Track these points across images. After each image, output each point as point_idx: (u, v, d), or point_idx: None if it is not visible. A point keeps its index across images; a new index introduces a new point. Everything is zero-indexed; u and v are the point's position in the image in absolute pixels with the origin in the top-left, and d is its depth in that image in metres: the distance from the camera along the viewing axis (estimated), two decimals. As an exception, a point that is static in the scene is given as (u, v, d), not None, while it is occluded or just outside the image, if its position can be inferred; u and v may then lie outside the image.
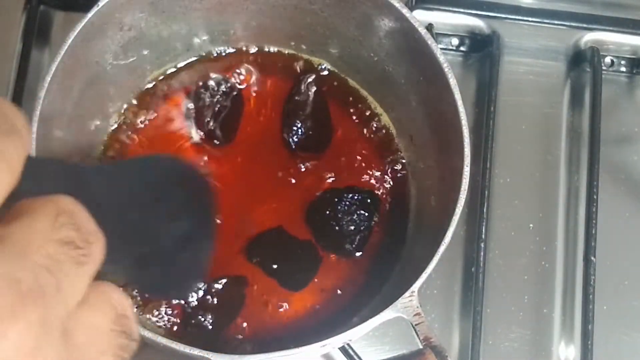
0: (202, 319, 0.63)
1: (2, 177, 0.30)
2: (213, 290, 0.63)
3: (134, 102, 0.69)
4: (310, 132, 0.69)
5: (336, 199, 0.65)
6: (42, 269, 0.29)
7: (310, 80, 0.69)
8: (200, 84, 0.69)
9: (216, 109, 0.68)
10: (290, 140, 0.68)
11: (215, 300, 0.63)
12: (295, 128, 0.68)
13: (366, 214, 0.66)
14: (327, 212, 0.65)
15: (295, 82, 0.70)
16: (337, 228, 0.65)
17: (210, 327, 0.63)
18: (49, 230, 0.30)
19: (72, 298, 0.30)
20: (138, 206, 0.46)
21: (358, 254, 0.66)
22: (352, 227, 0.66)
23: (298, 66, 0.71)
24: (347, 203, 0.66)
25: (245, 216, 0.67)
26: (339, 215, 0.65)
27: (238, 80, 0.70)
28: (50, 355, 0.28)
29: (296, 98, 0.69)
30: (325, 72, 0.72)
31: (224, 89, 0.69)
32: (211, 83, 0.69)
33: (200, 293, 0.63)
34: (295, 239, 0.67)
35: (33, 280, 0.28)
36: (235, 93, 0.69)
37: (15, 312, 0.27)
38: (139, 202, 0.46)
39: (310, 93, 0.69)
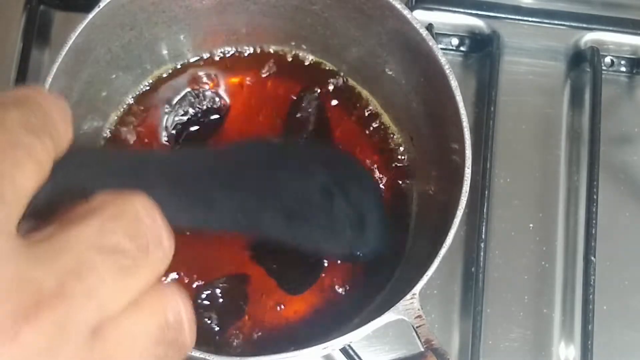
0: (209, 321, 0.63)
1: (26, 176, 0.30)
2: (217, 290, 0.63)
3: (134, 102, 0.69)
4: None
5: None
6: (70, 274, 0.28)
7: (312, 97, 0.69)
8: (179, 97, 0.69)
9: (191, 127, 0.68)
10: None
11: (220, 300, 0.63)
12: None
13: None
14: None
15: (297, 96, 0.70)
16: None
17: (215, 327, 0.63)
18: (92, 237, 0.30)
19: (111, 305, 0.30)
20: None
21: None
22: None
23: (299, 68, 0.71)
24: None
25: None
26: None
27: (221, 89, 0.71)
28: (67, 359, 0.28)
29: (297, 115, 0.69)
30: (326, 72, 0.72)
31: (207, 105, 0.69)
32: (190, 98, 0.69)
33: (205, 294, 0.63)
34: None
35: (55, 284, 0.28)
36: (213, 113, 0.69)
37: (30, 314, 0.27)
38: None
39: (311, 110, 0.69)
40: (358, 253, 0.60)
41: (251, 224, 0.49)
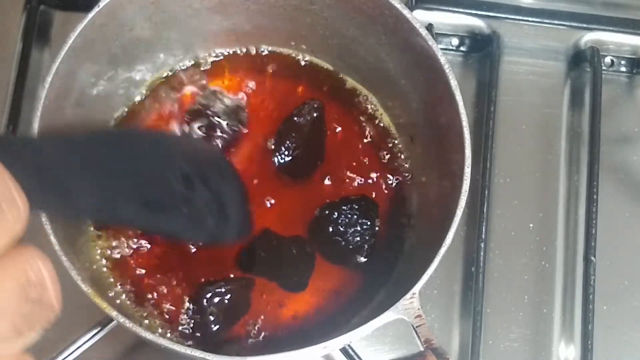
0: (212, 320, 0.63)
1: None
2: (222, 290, 0.63)
3: (133, 102, 0.69)
4: (298, 157, 0.68)
5: (335, 214, 0.65)
6: None
7: (315, 106, 0.69)
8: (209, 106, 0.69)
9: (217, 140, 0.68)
10: (276, 158, 0.68)
11: (224, 301, 0.63)
12: (283, 148, 0.68)
13: (368, 222, 0.66)
14: (330, 229, 0.65)
15: (299, 102, 0.69)
16: (343, 243, 0.65)
17: (217, 327, 0.63)
18: None
19: None
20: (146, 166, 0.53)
21: (365, 260, 0.66)
22: (358, 238, 0.65)
23: (299, 67, 0.71)
24: (348, 215, 0.65)
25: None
26: (342, 229, 0.65)
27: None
28: None
29: (295, 119, 0.68)
30: (326, 72, 0.72)
31: (232, 126, 0.69)
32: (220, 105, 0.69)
33: (210, 294, 0.63)
34: (284, 238, 0.66)
35: None
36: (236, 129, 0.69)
37: None
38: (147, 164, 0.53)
39: (309, 118, 0.68)
40: (217, 237, 0.61)
41: (110, 214, 0.49)
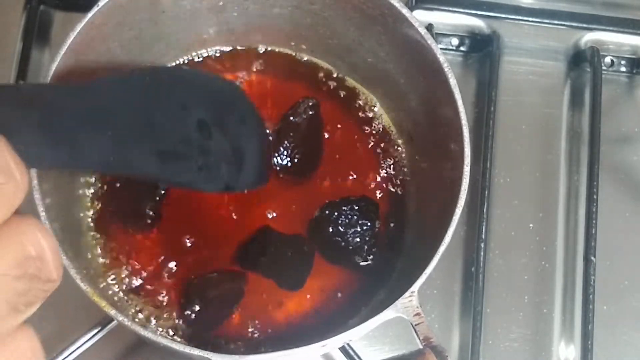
0: (199, 310, 0.63)
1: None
2: (209, 282, 0.63)
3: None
4: (297, 157, 0.68)
5: (335, 214, 0.65)
6: None
7: (310, 104, 0.69)
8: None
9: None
10: (275, 159, 0.68)
11: (211, 293, 0.63)
12: (282, 149, 0.67)
13: (368, 223, 0.65)
14: (330, 230, 0.65)
15: (295, 102, 0.69)
16: (343, 244, 0.65)
17: (205, 321, 0.63)
18: None
19: None
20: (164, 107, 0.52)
21: (365, 260, 0.66)
22: (358, 239, 0.65)
23: (299, 67, 0.71)
24: (348, 216, 0.65)
25: (243, 222, 0.67)
26: (342, 230, 0.65)
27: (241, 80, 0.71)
28: None
29: (291, 119, 0.68)
30: (326, 72, 0.72)
31: None
32: None
33: (195, 287, 0.63)
34: (284, 236, 0.66)
35: None
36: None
37: None
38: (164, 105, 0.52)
39: (305, 116, 0.68)
40: (232, 186, 0.59)
41: (121, 165, 0.48)
